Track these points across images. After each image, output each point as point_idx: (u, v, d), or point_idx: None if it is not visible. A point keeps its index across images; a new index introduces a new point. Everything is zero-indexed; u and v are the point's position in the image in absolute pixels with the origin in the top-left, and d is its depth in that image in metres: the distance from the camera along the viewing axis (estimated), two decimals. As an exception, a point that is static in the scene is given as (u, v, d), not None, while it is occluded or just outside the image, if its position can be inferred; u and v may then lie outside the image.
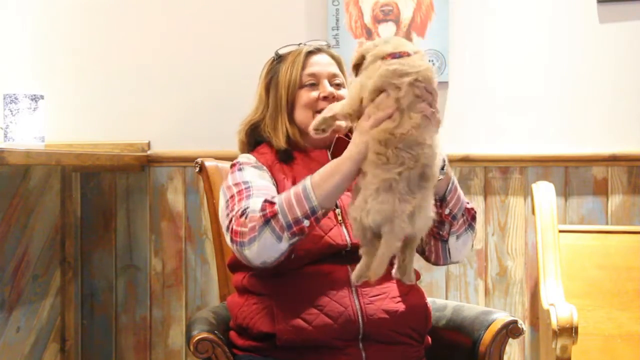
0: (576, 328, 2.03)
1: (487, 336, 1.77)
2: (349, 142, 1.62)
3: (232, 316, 1.82)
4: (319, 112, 1.74)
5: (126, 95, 2.79)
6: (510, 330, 1.77)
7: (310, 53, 1.88)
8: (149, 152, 2.75)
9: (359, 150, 1.56)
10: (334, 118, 1.64)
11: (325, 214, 1.62)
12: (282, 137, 1.85)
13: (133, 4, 2.79)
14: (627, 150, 2.53)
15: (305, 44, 1.91)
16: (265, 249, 1.60)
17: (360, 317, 1.68)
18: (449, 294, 2.62)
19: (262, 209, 1.60)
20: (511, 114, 2.60)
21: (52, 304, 2.63)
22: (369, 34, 2.63)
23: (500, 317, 1.80)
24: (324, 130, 1.65)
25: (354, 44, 2.62)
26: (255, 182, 1.75)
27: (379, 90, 1.54)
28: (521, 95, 2.59)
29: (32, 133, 2.52)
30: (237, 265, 1.81)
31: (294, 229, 1.59)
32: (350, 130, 1.75)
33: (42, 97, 2.55)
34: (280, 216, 1.58)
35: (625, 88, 2.54)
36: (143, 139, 2.77)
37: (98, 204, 2.80)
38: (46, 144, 2.60)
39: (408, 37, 2.61)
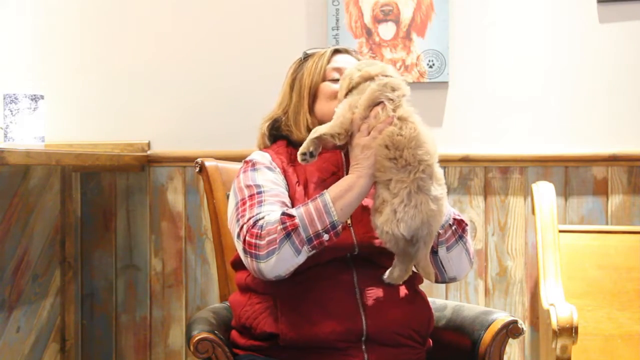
0: (576, 328, 2.03)
1: (487, 336, 1.77)
2: None
3: (235, 315, 1.81)
4: None
5: (126, 95, 2.79)
6: (510, 330, 1.77)
7: (336, 51, 1.91)
8: (149, 152, 2.75)
9: (369, 164, 1.62)
10: (320, 139, 1.68)
11: (343, 228, 1.65)
12: (304, 127, 1.84)
13: (133, 4, 2.79)
14: (627, 150, 2.53)
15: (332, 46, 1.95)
16: (283, 262, 1.61)
17: (363, 319, 1.67)
18: (449, 294, 2.62)
19: (282, 222, 1.60)
20: (511, 114, 2.60)
21: (52, 304, 2.63)
22: (369, 34, 2.63)
23: (500, 317, 1.80)
24: (311, 154, 1.68)
25: (354, 44, 2.62)
26: (267, 187, 1.74)
27: (373, 104, 1.64)
28: (521, 95, 2.59)
29: (32, 133, 2.52)
30: (240, 262, 1.80)
31: (314, 242, 1.60)
32: None
33: (42, 97, 2.55)
34: (301, 230, 1.60)
35: (625, 88, 2.54)
36: (143, 139, 2.77)
37: (98, 204, 2.80)
38: (46, 144, 2.60)
39: (408, 37, 2.61)
